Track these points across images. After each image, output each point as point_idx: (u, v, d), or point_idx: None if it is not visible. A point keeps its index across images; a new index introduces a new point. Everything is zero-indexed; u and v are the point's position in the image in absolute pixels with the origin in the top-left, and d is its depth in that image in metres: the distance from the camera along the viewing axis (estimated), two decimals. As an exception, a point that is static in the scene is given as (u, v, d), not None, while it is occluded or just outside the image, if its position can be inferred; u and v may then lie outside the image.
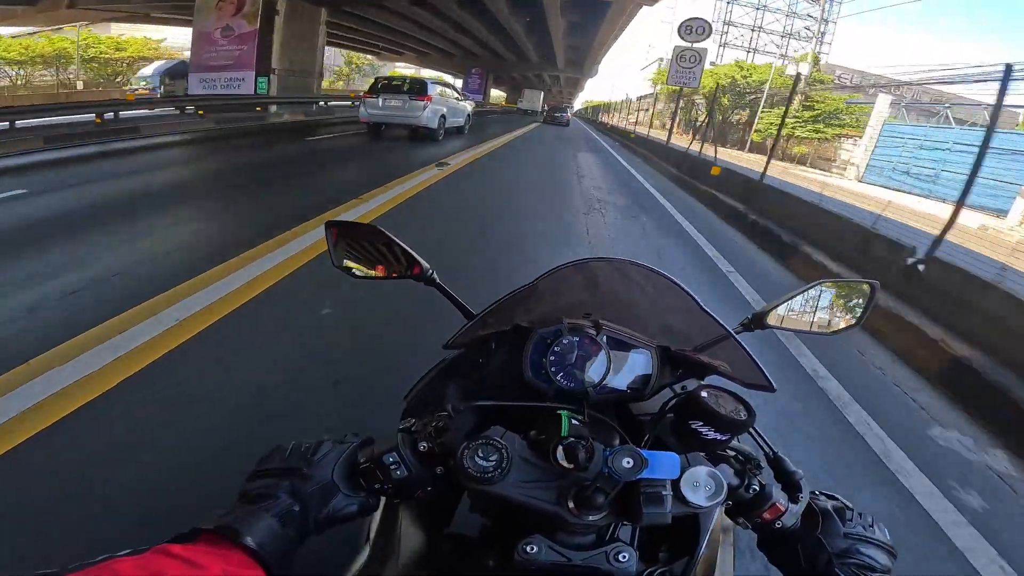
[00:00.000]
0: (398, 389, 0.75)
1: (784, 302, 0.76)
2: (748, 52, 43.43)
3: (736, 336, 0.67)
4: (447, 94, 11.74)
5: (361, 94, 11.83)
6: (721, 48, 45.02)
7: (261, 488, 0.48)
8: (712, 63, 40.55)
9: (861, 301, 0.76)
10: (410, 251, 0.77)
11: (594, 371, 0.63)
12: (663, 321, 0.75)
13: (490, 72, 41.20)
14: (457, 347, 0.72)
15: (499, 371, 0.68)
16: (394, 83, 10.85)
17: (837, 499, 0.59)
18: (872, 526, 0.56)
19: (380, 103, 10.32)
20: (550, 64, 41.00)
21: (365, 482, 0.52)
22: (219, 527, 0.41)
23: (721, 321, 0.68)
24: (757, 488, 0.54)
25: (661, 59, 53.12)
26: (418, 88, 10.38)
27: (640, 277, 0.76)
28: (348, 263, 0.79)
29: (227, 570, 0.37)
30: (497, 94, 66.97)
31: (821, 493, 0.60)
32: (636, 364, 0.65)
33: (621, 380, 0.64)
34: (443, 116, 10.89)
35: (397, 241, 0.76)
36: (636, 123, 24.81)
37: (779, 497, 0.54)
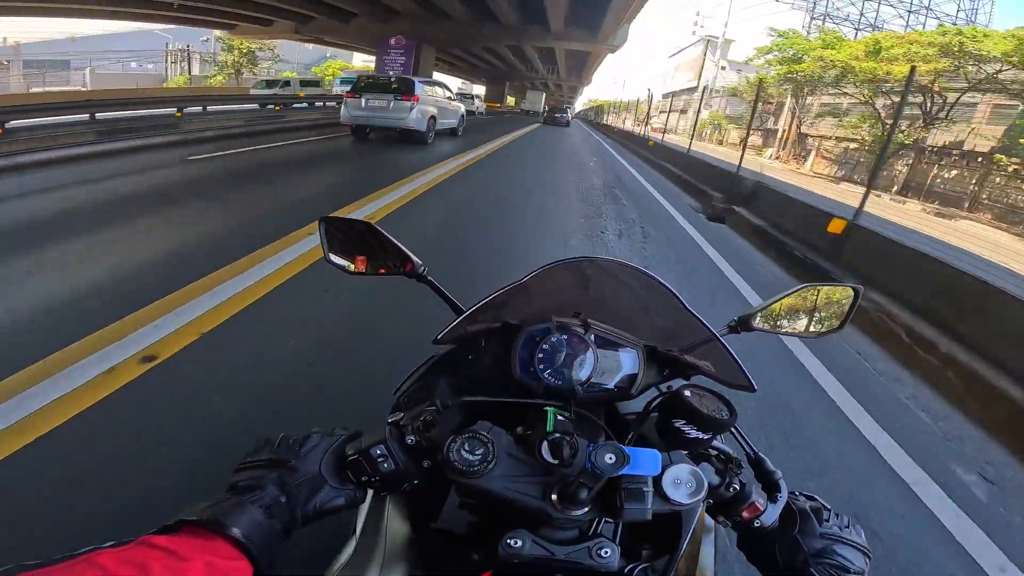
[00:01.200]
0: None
1: (770, 305, 0.77)
2: (857, 29, 29.58)
3: (720, 338, 0.69)
4: (437, 93, 10.91)
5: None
6: (820, 20, 30.46)
7: (248, 479, 0.49)
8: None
9: (845, 304, 0.77)
10: (403, 248, 0.78)
11: (581, 369, 0.64)
12: (651, 321, 0.76)
13: (424, 43, 21.54)
14: (447, 342, 0.72)
15: (488, 367, 0.70)
16: (378, 82, 9.99)
17: (816, 499, 0.60)
18: (848, 527, 0.57)
19: (363, 104, 9.57)
20: (537, 25, 21.34)
21: (352, 475, 0.52)
22: (204, 518, 0.41)
23: (706, 323, 0.69)
24: (737, 487, 0.55)
25: (712, 39, 37.64)
26: (404, 87, 9.59)
27: (629, 278, 0.76)
28: (341, 258, 0.80)
29: (212, 561, 0.38)
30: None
31: (800, 493, 0.61)
32: (623, 363, 0.67)
33: (608, 378, 0.66)
34: (432, 118, 10.13)
35: (390, 238, 0.77)
36: (664, 131, 17.60)
37: (758, 496, 0.56)
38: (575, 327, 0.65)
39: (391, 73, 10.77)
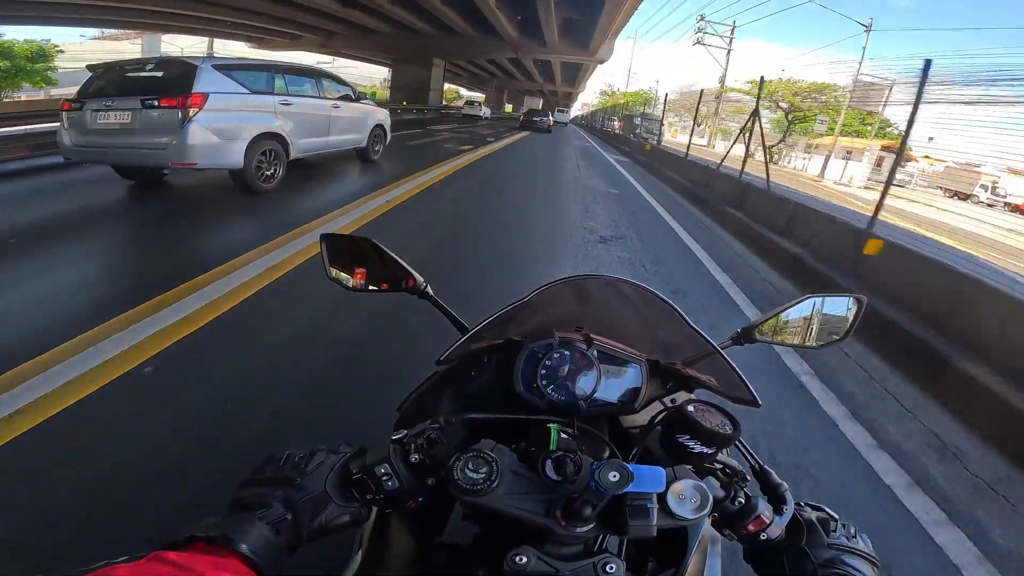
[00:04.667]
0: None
1: (773, 316, 0.81)
2: None
3: (722, 352, 0.72)
4: (303, 91, 5.98)
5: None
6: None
7: (254, 496, 0.51)
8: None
9: (849, 314, 0.81)
10: (404, 264, 0.79)
11: (584, 384, 0.66)
12: (653, 336, 0.79)
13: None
14: (450, 361, 0.71)
15: (491, 384, 0.71)
16: (128, 76, 4.74)
17: (822, 510, 0.63)
18: (856, 537, 0.60)
19: (88, 119, 4.27)
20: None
21: (357, 492, 0.54)
22: (214, 534, 0.44)
23: (708, 337, 0.73)
24: (743, 500, 0.58)
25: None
26: (170, 80, 4.30)
27: (631, 293, 0.80)
28: (341, 274, 0.83)
29: None
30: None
31: (806, 504, 0.64)
32: (626, 377, 0.69)
33: (611, 393, 0.68)
34: (275, 137, 5.32)
35: (391, 254, 0.79)
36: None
37: (764, 509, 0.58)
38: (578, 342, 0.67)
39: (154, 57, 5.11)
